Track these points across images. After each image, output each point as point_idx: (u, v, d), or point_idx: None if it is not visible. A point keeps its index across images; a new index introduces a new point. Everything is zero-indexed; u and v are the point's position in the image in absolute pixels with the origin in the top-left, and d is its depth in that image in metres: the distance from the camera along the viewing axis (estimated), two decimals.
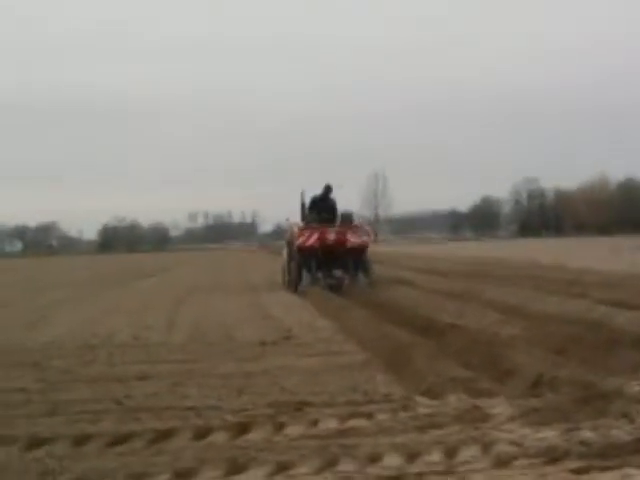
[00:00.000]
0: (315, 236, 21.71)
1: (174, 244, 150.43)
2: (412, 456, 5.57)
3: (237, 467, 5.48)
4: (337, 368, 9.19)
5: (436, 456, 5.57)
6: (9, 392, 8.44)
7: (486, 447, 5.69)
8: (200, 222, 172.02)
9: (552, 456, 5.38)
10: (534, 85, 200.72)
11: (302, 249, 21.82)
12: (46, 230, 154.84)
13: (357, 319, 13.46)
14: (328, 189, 23.24)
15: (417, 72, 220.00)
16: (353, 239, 21.90)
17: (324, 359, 9.89)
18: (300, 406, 7.16)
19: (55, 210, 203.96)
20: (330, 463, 5.47)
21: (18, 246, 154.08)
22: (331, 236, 21.74)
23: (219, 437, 6.31)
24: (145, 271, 43.42)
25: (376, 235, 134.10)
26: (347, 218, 22.94)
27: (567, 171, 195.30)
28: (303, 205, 23.38)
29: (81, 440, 6.34)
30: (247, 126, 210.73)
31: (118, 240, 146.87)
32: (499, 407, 6.84)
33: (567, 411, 6.45)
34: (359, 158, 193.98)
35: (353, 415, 6.81)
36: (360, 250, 22.12)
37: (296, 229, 22.54)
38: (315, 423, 6.61)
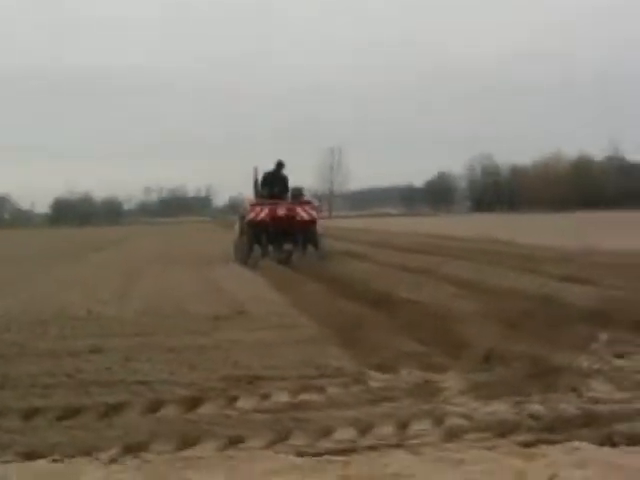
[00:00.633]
0: (266, 211, 22.43)
1: (128, 218, 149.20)
2: (364, 429, 5.60)
3: (188, 441, 5.47)
4: (290, 342, 9.18)
5: (388, 429, 5.60)
6: None
7: (437, 420, 5.73)
8: (154, 196, 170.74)
9: (502, 429, 5.43)
10: (490, 60, 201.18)
11: (253, 223, 22.61)
12: None
13: (311, 293, 13.47)
14: (280, 165, 23.89)
15: (373, 47, 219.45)
16: (302, 214, 22.62)
17: (277, 333, 9.86)
18: (252, 380, 7.15)
19: (7, 183, 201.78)
20: (282, 437, 5.48)
21: None
22: (281, 211, 22.47)
23: (170, 411, 6.29)
24: (98, 244, 43.03)
25: (330, 210, 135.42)
26: (297, 193, 23.67)
27: (522, 147, 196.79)
28: (256, 181, 23.86)
29: (31, 414, 6.29)
30: (201, 100, 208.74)
31: (71, 213, 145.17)
32: (450, 381, 6.90)
33: (517, 385, 6.52)
34: (315, 133, 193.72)
35: (305, 389, 6.82)
36: (309, 224, 22.82)
37: (248, 204, 23.41)
38: (267, 397, 6.62)
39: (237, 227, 25.00)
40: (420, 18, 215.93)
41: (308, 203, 23.52)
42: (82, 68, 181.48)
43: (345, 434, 5.51)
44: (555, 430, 5.36)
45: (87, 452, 5.31)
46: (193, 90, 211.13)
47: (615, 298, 10.70)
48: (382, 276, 15.83)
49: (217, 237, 45.14)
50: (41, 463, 5.23)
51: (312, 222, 22.92)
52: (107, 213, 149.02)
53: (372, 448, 5.26)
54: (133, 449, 5.35)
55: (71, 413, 6.27)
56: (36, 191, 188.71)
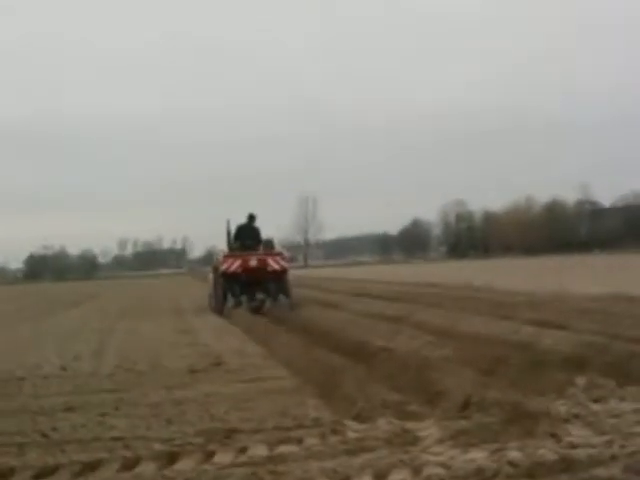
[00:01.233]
0: (238, 262, 23.60)
1: (103, 272, 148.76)
2: None
3: None
4: (267, 394, 9.16)
5: None
6: None
7: (416, 470, 5.70)
8: (129, 248, 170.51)
9: (481, 477, 5.41)
10: (463, 108, 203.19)
11: (226, 274, 23.68)
12: None
13: (287, 344, 13.43)
14: (251, 218, 24.94)
15: (349, 96, 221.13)
16: (273, 264, 23.75)
17: (254, 385, 9.85)
18: (229, 433, 7.11)
19: None
20: None
21: None
22: (253, 262, 23.64)
23: (147, 468, 6.22)
24: (73, 300, 42.81)
25: (306, 260, 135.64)
26: (268, 245, 24.89)
27: (495, 193, 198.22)
28: (229, 233, 24.91)
29: (5, 473, 6.21)
30: (177, 153, 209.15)
31: (45, 269, 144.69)
32: (428, 429, 6.86)
33: (495, 432, 6.51)
34: (290, 182, 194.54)
35: (283, 441, 6.77)
36: (280, 274, 23.90)
37: (221, 256, 24.52)
38: (244, 450, 6.56)
39: (211, 278, 26.11)
40: (388, 66, 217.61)
41: (279, 254, 24.59)
42: (56, 119, 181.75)
43: None
44: (534, 476, 5.36)
45: None
46: (166, 140, 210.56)
47: (589, 343, 10.74)
48: (357, 325, 15.81)
49: (192, 289, 45.16)
50: None
51: (283, 272, 23.93)
52: (82, 267, 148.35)
53: None
54: None
55: (46, 472, 6.20)
56: (9, 246, 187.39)
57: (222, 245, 25.66)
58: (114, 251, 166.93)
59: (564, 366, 9.53)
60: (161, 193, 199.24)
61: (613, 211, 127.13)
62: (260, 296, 23.81)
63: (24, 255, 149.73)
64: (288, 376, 10.47)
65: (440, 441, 6.48)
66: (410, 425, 7.04)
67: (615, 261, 57.29)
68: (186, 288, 51.22)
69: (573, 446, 5.98)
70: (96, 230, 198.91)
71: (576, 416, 6.99)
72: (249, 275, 23.63)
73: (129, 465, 6.31)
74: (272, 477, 5.63)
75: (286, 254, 25.69)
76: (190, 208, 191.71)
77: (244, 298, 23.73)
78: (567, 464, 5.53)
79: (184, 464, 6.29)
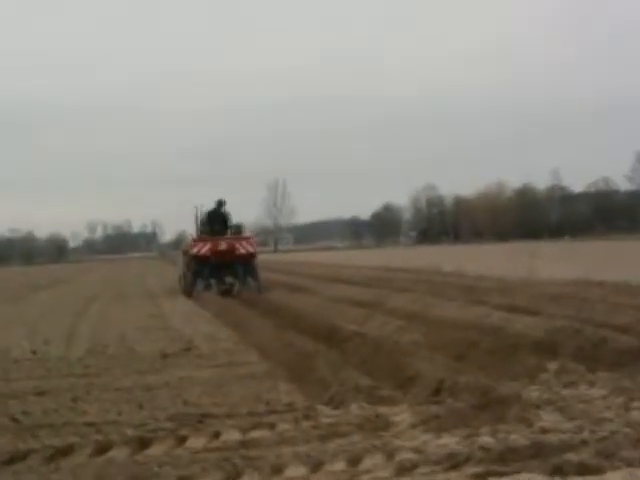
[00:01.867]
0: (207, 246, 24.32)
1: (73, 256, 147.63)
2: (315, 466, 5.56)
3: None
4: (239, 379, 9.16)
5: (339, 465, 5.58)
6: None
7: (389, 455, 5.71)
8: (99, 232, 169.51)
9: (453, 462, 5.43)
10: (434, 94, 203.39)
11: (196, 258, 24.37)
12: None
13: (259, 328, 13.44)
14: (220, 204, 25.68)
15: (319, 88, 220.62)
16: (242, 248, 24.54)
17: (226, 370, 9.85)
18: (202, 418, 7.09)
19: None
20: (233, 476, 5.43)
21: None
22: (222, 246, 24.35)
23: (119, 453, 6.20)
24: (42, 283, 42.52)
25: (276, 244, 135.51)
26: (237, 230, 25.58)
27: (466, 179, 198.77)
28: (197, 218, 25.73)
29: None
30: (146, 135, 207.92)
31: (13, 253, 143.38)
32: (401, 415, 6.89)
33: (467, 417, 6.54)
34: (261, 167, 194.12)
35: (255, 426, 6.77)
36: (249, 258, 24.72)
37: (191, 240, 25.39)
38: (217, 435, 6.55)
39: (181, 262, 27.35)
40: (359, 46, 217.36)
41: (247, 238, 25.45)
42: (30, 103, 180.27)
43: (296, 471, 5.47)
44: (506, 461, 5.37)
45: None
46: (135, 123, 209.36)
47: (560, 328, 10.80)
48: (329, 310, 15.86)
49: (163, 272, 44.98)
50: None
51: (251, 256, 24.75)
52: (52, 251, 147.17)
53: None
54: None
55: (18, 457, 6.15)
56: None
57: (192, 230, 26.25)
58: (83, 235, 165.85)
59: (535, 351, 9.62)
60: (131, 176, 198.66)
61: (583, 197, 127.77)
62: (229, 279, 24.36)
63: None
64: (260, 361, 10.47)
65: (412, 426, 6.51)
66: (383, 410, 7.06)
67: (585, 247, 57.65)
68: (156, 271, 51.04)
69: (544, 431, 6.02)
70: (64, 214, 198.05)
71: (547, 401, 7.05)
72: (218, 258, 24.19)
73: (101, 450, 6.28)
74: (245, 462, 5.62)
75: (254, 239, 26.50)
76: (161, 192, 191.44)
77: (213, 281, 24.27)
78: (538, 449, 5.56)
79: (156, 449, 6.27)
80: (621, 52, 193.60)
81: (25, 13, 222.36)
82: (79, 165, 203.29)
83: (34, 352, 12.21)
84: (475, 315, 13.30)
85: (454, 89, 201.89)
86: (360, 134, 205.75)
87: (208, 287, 23.93)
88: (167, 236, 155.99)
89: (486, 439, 5.86)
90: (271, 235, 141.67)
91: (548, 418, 6.48)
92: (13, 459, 6.12)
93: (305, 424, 6.77)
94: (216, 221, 25.38)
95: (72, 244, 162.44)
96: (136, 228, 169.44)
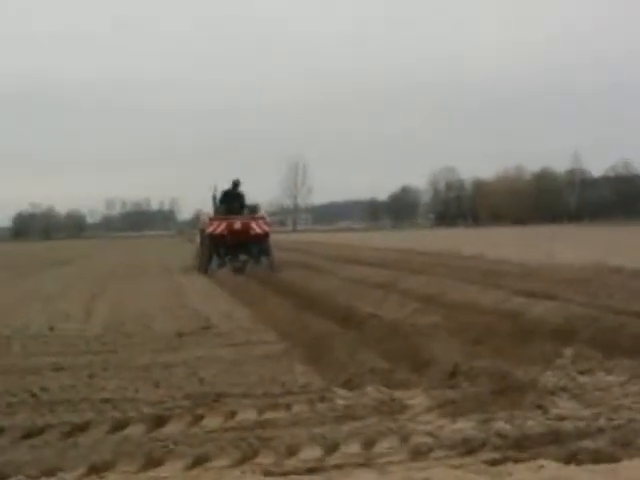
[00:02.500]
0: (223, 225, 24.95)
1: (91, 232, 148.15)
2: (330, 448, 5.57)
3: (154, 461, 5.41)
4: (256, 358, 9.18)
5: (354, 448, 5.59)
6: None
7: (403, 438, 5.72)
8: (117, 209, 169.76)
9: (468, 447, 5.44)
10: (454, 77, 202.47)
11: (212, 236, 25.02)
12: None
13: (276, 308, 13.46)
14: (236, 184, 26.37)
15: (339, 63, 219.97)
16: (256, 228, 25.17)
17: (243, 349, 9.87)
18: (218, 398, 7.12)
19: None
20: (248, 456, 5.45)
21: None
22: (237, 225, 25.01)
23: (135, 430, 6.23)
24: (61, 259, 42.73)
25: (294, 224, 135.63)
26: (252, 209, 26.43)
27: (486, 162, 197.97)
28: (214, 197, 26.33)
29: None
30: (166, 114, 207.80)
31: (33, 228, 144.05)
32: (417, 398, 6.89)
33: (483, 402, 6.53)
34: (280, 147, 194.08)
35: (271, 407, 6.79)
36: (263, 237, 25.34)
37: (207, 219, 25.92)
38: (233, 415, 6.58)
39: (197, 240, 28.15)
40: (378, 30, 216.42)
41: (262, 218, 25.99)
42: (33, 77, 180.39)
43: (311, 453, 5.48)
44: (521, 448, 5.37)
45: (52, 472, 5.24)
46: (157, 103, 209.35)
47: (578, 314, 10.76)
48: (346, 291, 15.85)
49: (180, 251, 45.10)
50: None
51: (265, 235, 25.35)
52: (70, 227, 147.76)
53: (338, 467, 5.24)
54: (98, 469, 5.29)
55: (35, 432, 6.20)
56: None
57: (209, 209, 26.78)
58: (102, 211, 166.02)
59: (552, 337, 9.59)
60: (150, 155, 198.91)
61: (603, 181, 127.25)
62: (243, 257, 25.13)
63: (11, 214, 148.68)
64: (277, 341, 10.49)
65: (428, 410, 6.51)
66: (398, 393, 7.07)
67: (604, 231, 57.43)
68: (173, 250, 51.17)
69: (560, 418, 6.01)
70: (84, 190, 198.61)
71: (563, 388, 7.02)
72: (233, 237, 24.88)
73: (118, 427, 6.32)
74: (261, 443, 5.64)
75: (268, 219, 27.00)
76: (180, 170, 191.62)
77: (228, 259, 25.08)
78: (554, 436, 5.56)
79: (173, 427, 6.30)
80: None
81: None
82: (97, 143, 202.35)
83: (51, 328, 12.27)
84: (493, 299, 13.25)
85: (480, 72, 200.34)
86: (381, 116, 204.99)
87: (223, 264, 24.75)
88: (185, 214, 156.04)
89: (502, 425, 5.85)
90: (290, 215, 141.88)
91: (564, 405, 6.47)
92: (30, 434, 6.17)
93: (320, 406, 6.79)
94: (232, 201, 26.00)
95: (90, 221, 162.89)
96: (155, 206, 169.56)
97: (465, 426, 5.93)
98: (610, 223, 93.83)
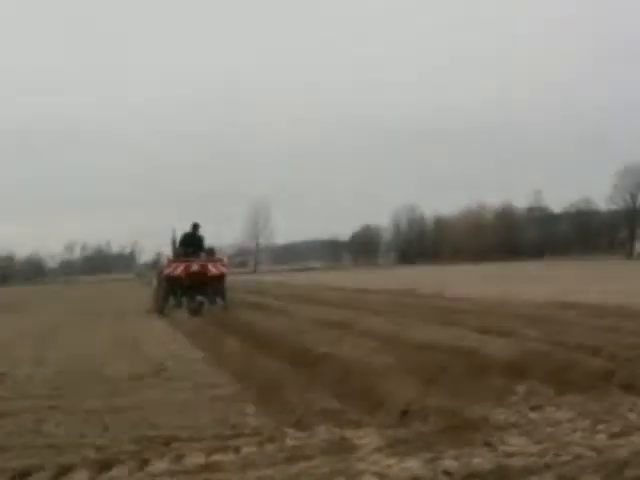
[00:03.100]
0: (181, 267, 25.55)
1: (50, 277, 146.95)
2: None
3: None
4: (207, 401, 9.07)
5: None
6: None
7: (351, 479, 5.66)
8: (77, 252, 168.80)
9: None
10: (418, 113, 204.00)
11: (169, 278, 25.66)
12: None
13: (230, 350, 13.35)
14: (195, 227, 26.92)
15: (297, 110, 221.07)
16: (213, 270, 25.83)
17: (195, 392, 9.74)
18: (167, 441, 7.03)
19: None
20: None
21: None
22: (195, 267, 25.62)
23: (79, 476, 6.13)
24: (16, 304, 42.27)
25: (256, 265, 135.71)
26: (210, 252, 26.91)
27: (447, 199, 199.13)
28: (174, 240, 26.92)
29: None
30: (124, 160, 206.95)
31: None
32: (367, 438, 6.84)
33: (433, 440, 6.50)
34: (243, 189, 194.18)
35: (220, 449, 6.72)
36: (219, 279, 26.02)
37: (165, 261, 26.46)
38: (180, 458, 6.49)
39: (155, 281, 29.30)
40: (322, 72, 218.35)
41: (219, 260, 26.55)
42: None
43: None
44: None
45: None
46: (119, 144, 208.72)
47: (532, 350, 10.79)
48: (302, 331, 15.76)
49: (137, 294, 44.87)
50: None
51: (221, 277, 26.04)
52: (29, 272, 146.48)
53: None
54: None
55: None
56: None
57: (168, 251, 27.23)
58: (62, 256, 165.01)
59: (506, 373, 9.59)
60: (114, 198, 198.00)
61: (564, 217, 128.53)
62: (199, 298, 25.64)
63: None
64: (230, 382, 10.38)
65: (377, 450, 6.46)
66: (349, 433, 7.02)
67: (564, 267, 57.91)
68: (131, 292, 50.95)
69: (508, 455, 6.00)
70: (45, 233, 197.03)
71: (513, 424, 7.03)
72: (191, 279, 25.44)
73: (62, 472, 6.21)
74: None
75: (226, 260, 27.62)
76: (141, 214, 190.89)
77: (184, 300, 25.74)
78: (502, 473, 5.54)
79: (118, 472, 6.21)
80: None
81: None
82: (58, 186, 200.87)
83: (0, 373, 12.07)
84: (450, 337, 13.24)
85: (436, 109, 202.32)
86: (339, 155, 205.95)
87: (179, 305, 25.50)
88: (146, 257, 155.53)
89: (450, 463, 5.83)
90: (251, 256, 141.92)
91: (513, 442, 6.46)
92: None
93: (270, 447, 6.73)
94: (191, 243, 26.54)
95: (50, 265, 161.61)
96: (115, 249, 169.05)
97: (413, 465, 5.89)
98: (570, 258, 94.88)
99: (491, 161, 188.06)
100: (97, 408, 8.88)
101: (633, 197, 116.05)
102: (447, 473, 5.56)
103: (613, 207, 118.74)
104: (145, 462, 6.41)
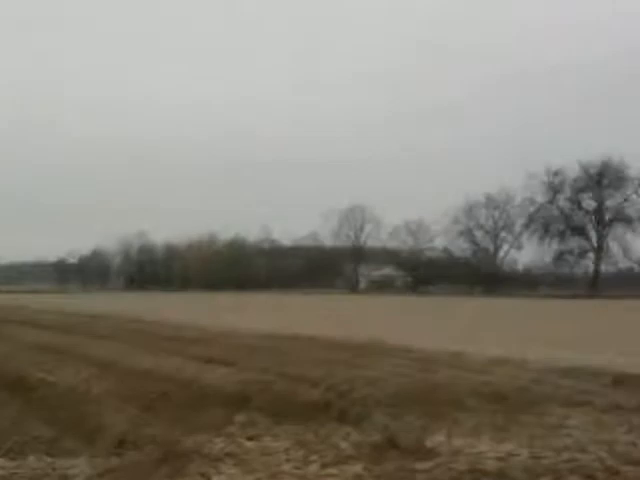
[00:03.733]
0: None
1: None
2: None
3: None
4: None
5: None
6: None
7: None
8: None
9: None
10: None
11: None
12: None
13: None
14: None
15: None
16: None
17: None
18: None
19: None
20: None
21: None
22: None
23: None
24: None
25: None
26: None
27: (179, 227, 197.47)
28: None
29: None
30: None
31: None
32: (78, 467, 6.68)
33: (145, 471, 6.43)
34: None
35: None
36: None
37: None
38: None
39: None
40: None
41: None
42: None
43: None
44: None
45: None
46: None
47: (253, 380, 10.98)
48: (19, 357, 15.22)
49: None
50: None
51: None
52: None
53: None
54: None
55: None
56: None
57: None
58: None
59: (226, 403, 9.66)
60: None
61: (293, 251, 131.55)
62: None
63: None
64: None
65: (90, 479, 6.31)
66: (60, 462, 6.82)
67: (290, 300, 59.30)
68: None
69: None
70: None
71: (229, 454, 7.07)
72: None
73: None
74: None
75: None
76: None
77: None
78: None
79: None
80: None
81: None
82: None
83: None
84: (170, 365, 13.22)
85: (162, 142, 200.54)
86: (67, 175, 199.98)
87: None
88: None
89: None
90: None
91: (228, 471, 6.50)
92: None
93: None
94: None
95: None
96: None
97: None
98: (298, 291, 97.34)
99: (223, 196, 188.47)
100: None
101: (357, 235, 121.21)
102: None
103: (338, 244, 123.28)
104: None
